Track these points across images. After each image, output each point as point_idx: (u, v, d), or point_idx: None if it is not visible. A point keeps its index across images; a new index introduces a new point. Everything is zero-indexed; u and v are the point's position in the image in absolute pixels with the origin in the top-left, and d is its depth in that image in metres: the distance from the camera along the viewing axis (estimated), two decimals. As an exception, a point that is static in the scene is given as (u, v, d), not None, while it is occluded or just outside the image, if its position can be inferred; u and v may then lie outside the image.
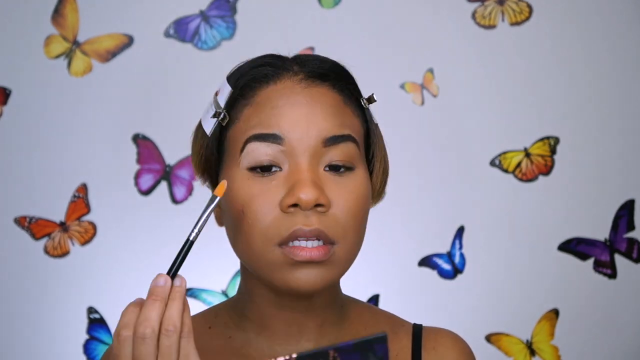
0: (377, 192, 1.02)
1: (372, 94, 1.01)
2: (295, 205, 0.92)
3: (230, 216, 0.96)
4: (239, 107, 0.98)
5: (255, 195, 0.93)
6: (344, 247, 0.94)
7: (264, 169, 0.94)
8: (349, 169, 0.95)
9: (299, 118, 0.94)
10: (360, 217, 0.96)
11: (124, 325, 0.84)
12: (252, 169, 0.94)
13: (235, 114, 0.98)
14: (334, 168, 0.95)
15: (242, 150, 0.95)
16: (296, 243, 0.92)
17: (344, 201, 0.94)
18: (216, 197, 0.89)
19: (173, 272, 0.87)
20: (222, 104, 0.99)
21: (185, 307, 0.85)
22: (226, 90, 0.99)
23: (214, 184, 1.02)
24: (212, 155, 1.00)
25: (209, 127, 0.99)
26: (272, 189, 0.93)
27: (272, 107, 0.95)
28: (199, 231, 0.88)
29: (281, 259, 0.92)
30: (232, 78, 1.00)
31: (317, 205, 0.92)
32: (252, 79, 0.98)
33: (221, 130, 0.99)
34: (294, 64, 0.99)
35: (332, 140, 0.94)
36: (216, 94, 1.01)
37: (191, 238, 0.88)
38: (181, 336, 0.84)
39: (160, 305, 0.84)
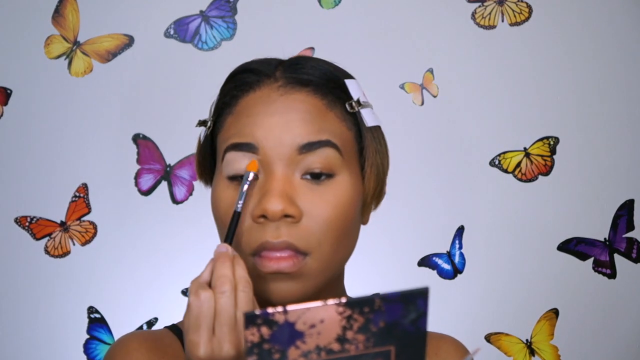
0: (370, 198, 1.00)
1: (359, 98, 0.99)
2: (264, 216, 0.91)
3: (215, 223, 0.98)
4: (224, 115, 0.98)
5: (231, 204, 0.93)
6: (317, 258, 0.93)
7: (241, 178, 0.94)
8: (328, 176, 0.94)
9: (273, 126, 0.93)
10: (338, 227, 0.94)
11: (202, 286, 0.86)
12: (231, 178, 0.94)
13: (221, 121, 0.98)
14: (313, 175, 0.93)
15: (222, 159, 0.95)
16: (263, 254, 0.92)
17: (319, 211, 0.93)
18: (249, 172, 0.92)
19: (229, 241, 0.91)
20: (213, 110, 1.00)
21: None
22: (216, 97, 1.00)
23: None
24: (204, 160, 1.02)
25: (202, 134, 1.01)
26: (247, 199, 0.93)
27: (248, 115, 0.95)
28: (243, 203, 0.92)
29: (253, 269, 0.92)
30: (223, 83, 1.01)
31: (286, 216, 0.91)
32: (234, 86, 0.98)
33: (212, 137, 1.00)
34: (278, 69, 0.98)
35: (308, 147, 0.93)
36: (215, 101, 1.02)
37: (238, 210, 0.92)
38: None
39: (230, 265, 0.87)
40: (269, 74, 0.97)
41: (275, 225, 0.91)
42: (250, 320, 0.72)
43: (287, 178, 0.93)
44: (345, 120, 0.97)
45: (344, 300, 0.73)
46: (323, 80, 0.97)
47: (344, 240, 0.96)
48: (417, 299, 0.75)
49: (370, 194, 0.99)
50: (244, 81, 0.98)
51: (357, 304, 0.73)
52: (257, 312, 0.71)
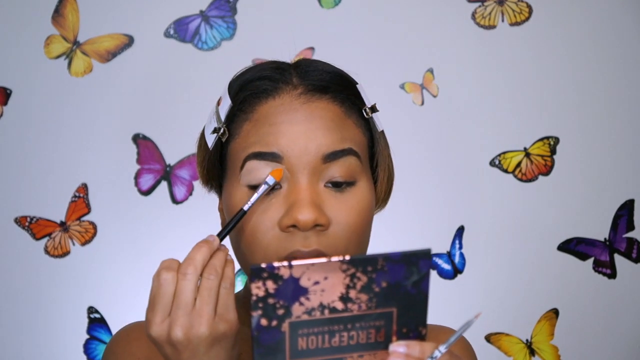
0: (381, 200, 1.01)
1: (375, 104, 1.00)
2: (294, 226, 0.91)
3: (233, 232, 0.97)
4: (239, 122, 0.97)
5: (255, 214, 0.93)
6: None
7: None
8: (350, 184, 0.94)
9: (298, 135, 0.93)
10: (362, 231, 0.95)
11: (166, 267, 0.85)
12: (252, 187, 0.94)
13: (235, 128, 0.97)
14: (336, 184, 0.94)
15: (241, 168, 0.94)
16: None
17: (344, 217, 0.93)
18: (272, 178, 0.91)
19: (223, 235, 0.90)
20: (223, 116, 0.98)
21: (229, 262, 0.87)
22: (226, 103, 0.98)
23: (218, 193, 1.02)
24: (214, 167, 1.00)
25: (209, 140, 0.99)
26: (271, 208, 0.93)
27: (270, 124, 0.94)
28: (251, 205, 0.91)
29: None
30: (233, 88, 0.99)
31: (316, 225, 0.91)
32: (250, 94, 0.97)
33: (222, 143, 0.98)
34: (293, 75, 0.98)
35: (332, 156, 0.93)
36: (218, 103, 1.00)
37: (245, 208, 0.91)
38: (221, 285, 0.85)
39: (205, 251, 0.86)
40: (287, 80, 0.97)
41: (304, 235, 0.91)
42: (256, 273, 0.72)
43: (312, 187, 0.93)
44: (360, 127, 0.98)
45: (347, 257, 0.74)
46: (340, 87, 0.98)
47: (364, 244, 0.97)
48: (420, 260, 0.76)
49: (381, 197, 1.01)
50: (261, 89, 0.97)
51: (361, 262, 0.74)
52: (263, 265, 0.72)
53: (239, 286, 2.03)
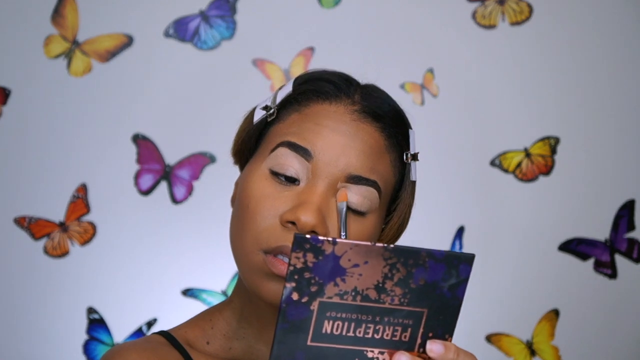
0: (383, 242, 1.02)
1: (417, 153, 1.01)
2: (293, 223, 0.92)
3: (237, 205, 0.98)
4: (290, 110, 0.99)
5: (265, 197, 0.95)
6: None
7: (285, 177, 0.95)
8: (360, 213, 0.96)
9: (335, 145, 0.95)
10: None
11: None
12: (274, 172, 0.96)
13: (284, 114, 0.99)
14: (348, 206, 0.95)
15: (272, 150, 0.96)
16: (279, 257, 0.93)
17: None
18: (343, 203, 0.93)
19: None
20: (279, 99, 1.00)
21: None
22: (287, 89, 1.01)
23: (241, 167, 1.05)
24: (249, 141, 1.02)
25: (257, 115, 1.01)
26: (281, 198, 0.94)
27: (315, 123, 0.97)
28: (346, 234, 0.93)
29: (260, 265, 0.93)
30: (298, 79, 1.02)
31: (313, 231, 0.92)
32: (312, 89, 0.99)
33: (266, 123, 1.01)
34: (357, 93, 1.00)
35: (356, 179, 0.95)
36: (280, 88, 1.03)
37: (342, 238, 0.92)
38: None
39: None
40: (349, 94, 0.99)
41: None
42: (299, 242, 0.72)
43: (325, 197, 0.94)
44: (395, 167, 1.00)
45: (392, 245, 0.73)
46: (394, 123, 1.00)
47: None
48: (461, 263, 0.75)
49: (385, 241, 1.02)
50: (323, 89, 0.99)
51: (404, 253, 0.74)
52: (308, 235, 0.72)
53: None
